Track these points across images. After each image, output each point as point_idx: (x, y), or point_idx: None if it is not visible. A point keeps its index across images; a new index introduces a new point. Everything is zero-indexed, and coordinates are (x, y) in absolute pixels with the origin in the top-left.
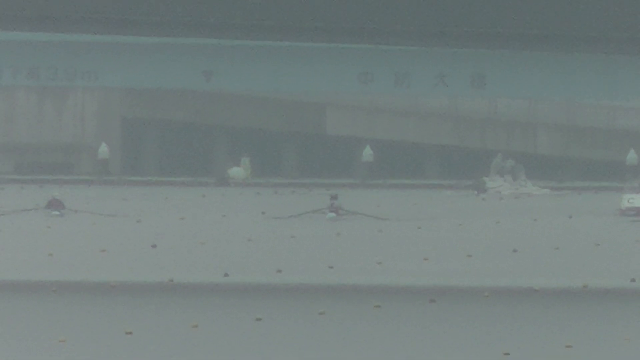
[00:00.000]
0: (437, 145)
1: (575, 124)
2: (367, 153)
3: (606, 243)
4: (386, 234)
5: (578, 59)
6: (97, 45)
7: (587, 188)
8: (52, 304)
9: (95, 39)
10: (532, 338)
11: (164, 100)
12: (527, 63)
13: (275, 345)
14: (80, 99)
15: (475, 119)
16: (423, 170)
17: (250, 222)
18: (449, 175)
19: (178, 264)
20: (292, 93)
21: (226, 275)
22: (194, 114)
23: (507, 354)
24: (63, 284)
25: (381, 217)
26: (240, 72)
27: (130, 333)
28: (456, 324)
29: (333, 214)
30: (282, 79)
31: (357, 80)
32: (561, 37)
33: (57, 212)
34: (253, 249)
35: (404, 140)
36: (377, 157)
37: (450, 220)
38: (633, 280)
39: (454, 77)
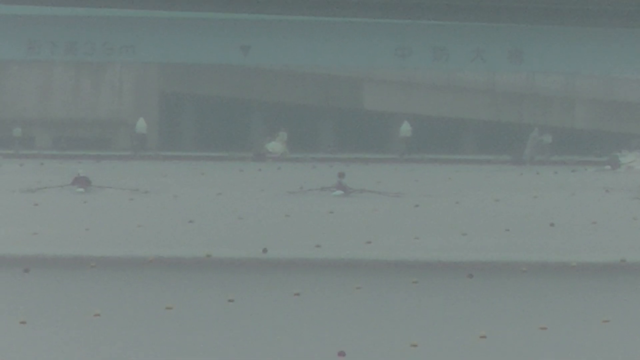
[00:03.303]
0: (474, 120)
1: (612, 98)
2: (405, 128)
3: None
4: (423, 210)
5: (615, 33)
6: (135, 20)
7: None
8: (90, 279)
9: (133, 13)
10: (570, 313)
11: (201, 75)
12: (564, 37)
13: (313, 320)
14: (117, 74)
15: (513, 93)
16: (460, 145)
17: (286, 197)
18: (486, 150)
19: (215, 240)
20: (330, 68)
21: (265, 250)
22: (231, 89)
23: (545, 328)
24: (101, 260)
25: (391, 194)
26: (278, 47)
27: (171, 308)
28: (494, 299)
29: (340, 192)
30: (319, 53)
31: (394, 55)
32: (598, 11)
33: (81, 190)
34: (290, 224)
35: (441, 115)
36: (415, 132)
37: (488, 194)
38: None
39: (492, 52)
